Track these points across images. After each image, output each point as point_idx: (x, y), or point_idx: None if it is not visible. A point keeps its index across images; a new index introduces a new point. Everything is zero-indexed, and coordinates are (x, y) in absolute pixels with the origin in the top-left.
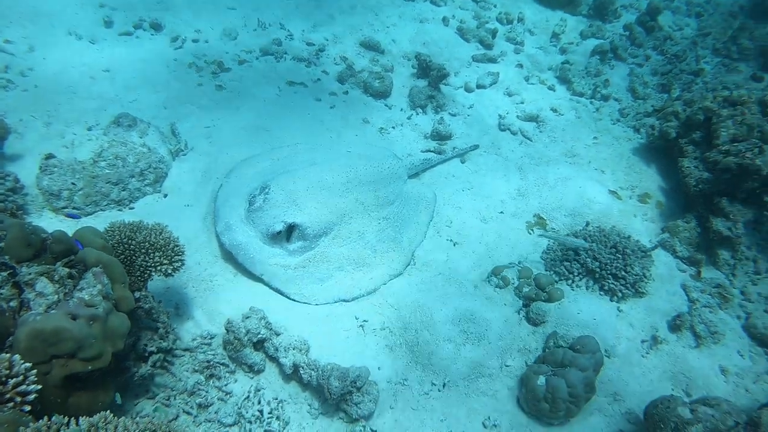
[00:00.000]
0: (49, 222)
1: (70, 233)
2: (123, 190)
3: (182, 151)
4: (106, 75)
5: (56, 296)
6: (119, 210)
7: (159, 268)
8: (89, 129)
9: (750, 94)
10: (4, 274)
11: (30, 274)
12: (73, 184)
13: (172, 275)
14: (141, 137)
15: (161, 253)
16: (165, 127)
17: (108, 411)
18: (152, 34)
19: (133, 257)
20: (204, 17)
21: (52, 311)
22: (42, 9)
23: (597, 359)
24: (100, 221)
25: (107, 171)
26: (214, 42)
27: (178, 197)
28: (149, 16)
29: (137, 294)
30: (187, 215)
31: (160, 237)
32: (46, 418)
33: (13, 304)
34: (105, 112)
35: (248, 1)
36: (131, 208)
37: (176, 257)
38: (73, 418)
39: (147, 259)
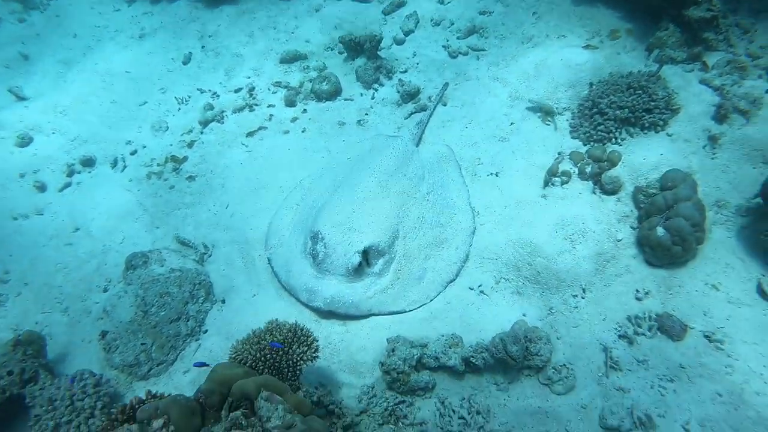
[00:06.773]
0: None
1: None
2: (188, 320)
3: (206, 253)
4: (80, 234)
5: None
6: (197, 340)
7: (304, 358)
8: (105, 290)
9: None
10: None
11: None
12: (143, 344)
13: (318, 356)
14: (162, 265)
15: (297, 344)
16: (172, 244)
17: None
18: (90, 171)
19: (277, 363)
20: (123, 126)
21: None
22: None
23: (692, 183)
24: (186, 364)
25: (163, 313)
26: (150, 142)
27: (239, 294)
28: (74, 156)
29: (300, 393)
30: (263, 303)
31: (285, 330)
32: None
33: None
34: (107, 267)
35: (151, 89)
36: (205, 332)
37: (310, 339)
38: None
39: (290, 357)
